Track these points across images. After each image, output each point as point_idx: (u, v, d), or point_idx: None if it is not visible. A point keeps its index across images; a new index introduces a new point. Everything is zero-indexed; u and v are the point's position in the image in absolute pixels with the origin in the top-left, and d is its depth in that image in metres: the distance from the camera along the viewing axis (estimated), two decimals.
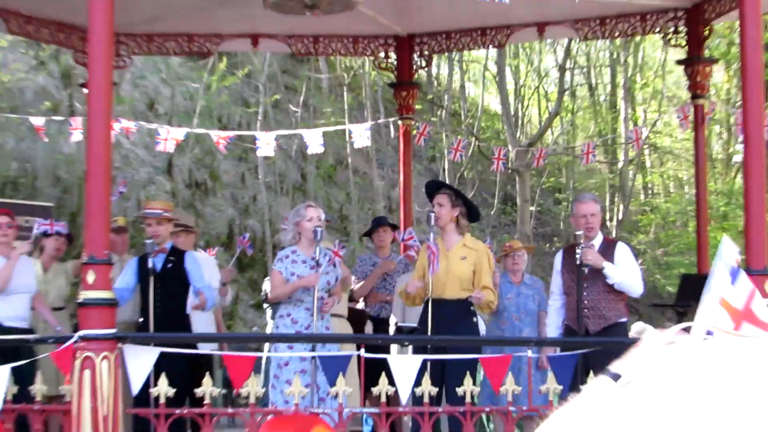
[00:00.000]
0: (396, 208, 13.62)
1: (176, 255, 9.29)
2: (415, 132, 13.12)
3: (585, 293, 8.51)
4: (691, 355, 1.72)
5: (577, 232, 8.74)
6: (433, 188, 9.30)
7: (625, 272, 8.47)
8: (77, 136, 12.50)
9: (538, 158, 18.99)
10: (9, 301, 9.17)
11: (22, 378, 7.14)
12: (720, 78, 20.33)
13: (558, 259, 8.98)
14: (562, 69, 25.70)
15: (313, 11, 9.86)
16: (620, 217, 23.63)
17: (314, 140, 12.42)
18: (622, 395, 1.67)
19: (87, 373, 6.28)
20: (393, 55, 12.76)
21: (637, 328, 1.82)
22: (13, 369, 6.89)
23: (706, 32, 11.42)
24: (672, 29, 11.48)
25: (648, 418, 1.65)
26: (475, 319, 8.86)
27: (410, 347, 8.05)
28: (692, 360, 1.70)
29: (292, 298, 8.72)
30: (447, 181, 13.76)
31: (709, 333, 1.78)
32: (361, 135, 12.91)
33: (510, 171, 22.14)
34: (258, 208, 20.16)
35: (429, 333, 8.48)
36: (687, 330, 1.79)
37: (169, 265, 9.17)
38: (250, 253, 8.85)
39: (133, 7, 10.36)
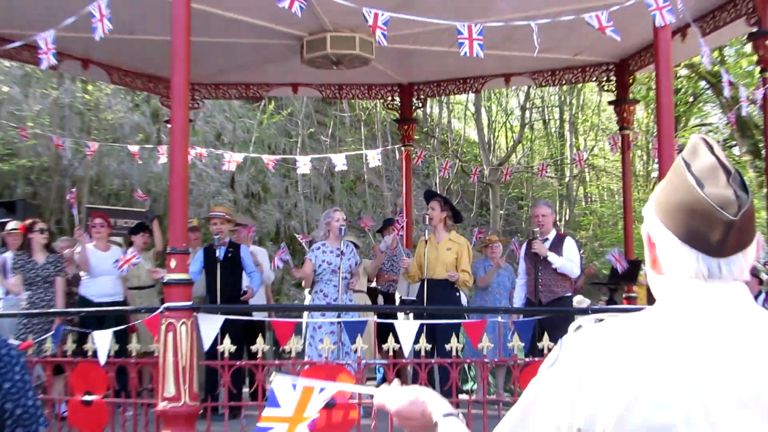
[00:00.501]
0: (397, 212, 13.64)
1: (234, 247, 9.36)
2: (414, 156, 13.24)
3: (540, 274, 8.60)
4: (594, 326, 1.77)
5: (534, 229, 8.86)
6: (428, 197, 9.55)
7: (567, 259, 8.57)
8: (163, 159, 12.59)
9: (505, 175, 19.14)
10: (96, 282, 9.31)
11: (123, 339, 7.23)
12: (641, 114, 20.23)
13: (522, 248, 9.08)
14: (523, 108, 25.68)
15: (338, 66, 9.97)
16: (567, 218, 23.69)
17: (339, 161, 12.48)
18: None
19: (170, 335, 6.26)
20: (397, 99, 12.85)
21: (577, 299, 1.89)
22: (114, 332, 6.95)
23: (631, 80, 11.53)
24: (605, 78, 11.58)
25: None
26: (458, 293, 9.01)
27: (411, 315, 8.11)
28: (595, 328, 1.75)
29: (323, 278, 8.81)
30: (438, 192, 13.73)
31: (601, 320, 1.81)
32: (374, 158, 12.96)
33: (485, 184, 22.21)
34: (298, 213, 20.24)
35: (425, 304, 8.68)
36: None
37: (229, 255, 9.23)
38: (285, 261, 8.85)
39: (203, 64, 10.41)
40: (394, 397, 2.03)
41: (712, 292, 1.66)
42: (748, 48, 13.88)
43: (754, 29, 8.91)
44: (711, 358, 1.60)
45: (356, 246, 9.60)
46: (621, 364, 1.62)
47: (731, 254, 1.65)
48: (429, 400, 2.01)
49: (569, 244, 8.79)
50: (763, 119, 9.65)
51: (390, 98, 13.00)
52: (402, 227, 10.77)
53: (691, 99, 21.23)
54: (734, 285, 1.68)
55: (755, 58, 9.60)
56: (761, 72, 9.20)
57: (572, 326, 1.79)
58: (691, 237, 1.67)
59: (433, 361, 6.69)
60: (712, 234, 1.64)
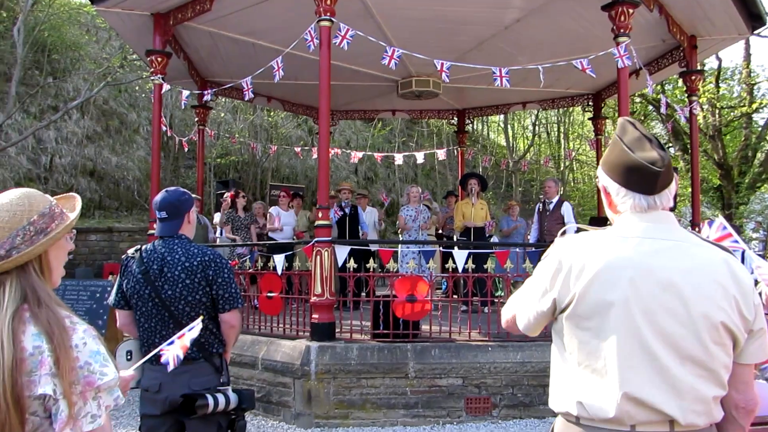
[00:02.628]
0: (455, 188, 13.50)
1: (354, 209, 9.42)
2: (466, 154, 13.09)
3: (546, 224, 8.45)
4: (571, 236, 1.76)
5: (542, 196, 8.79)
6: (469, 176, 9.41)
7: (567, 218, 8.43)
8: (314, 156, 12.73)
9: (523, 166, 18.61)
10: (281, 231, 9.47)
11: (290, 260, 7.35)
12: (609, 126, 19.56)
13: (536, 208, 8.93)
14: (534, 124, 25.17)
15: (419, 98, 9.90)
16: (561, 193, 23.38)
17: (420, 157, 12.43)
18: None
19: (318, 257, 6.29)
20: (455, 118, 12.69)
21: (561, 231, 1.88)
22: (285, 255, 7.05)
23: (603, 104, 11.15)
24: (586, 103, 11.27)
25: (550, 255, 1.70)
26: (488, 235, 8.93)
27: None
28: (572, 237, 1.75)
29: (409, 225, 8.85)
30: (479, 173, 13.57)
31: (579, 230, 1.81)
32: (441, 155, 12.88)
33: (510, 171, 21.81)
34: (396, 188, 20.28)
35: (471, 239, 8.63)
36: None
37: (351, 213, 9.30)
38: (386, 204, 8.93)
39: (338, 98, 10.51)
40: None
41: (647, 217, 1.67)
42: (680, 82, 13.40)
43: (684, 69, 8.59)
44: (643, 257, 1.61)
45: (429, 208, 9.62)
46: (586, 258, 1.64)
47: (660, 192, 1.65)
48: None
49: (566, 206, 8.61)
50: (689, 127, 9.28)
51: (451, 118, 12.88)
52: (456, 198, 10.72)
53: (642, 117, 20.42)
54: (662, 212, 1.68)
55: (684, 88, 9.26)
56: (688, 96, 8.86)
57: (560, 233, 1.86)
58: (631, 185, 1.68)
59: (475, 275, 6.65)
60: (647, 181, 1.65)
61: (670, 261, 1.58)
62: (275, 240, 9.10)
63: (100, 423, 1.51)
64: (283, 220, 9.50)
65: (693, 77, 8.61)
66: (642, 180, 1.65)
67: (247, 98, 7.44)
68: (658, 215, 1.67)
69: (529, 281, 1.80)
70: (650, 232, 1.64)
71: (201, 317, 2.30)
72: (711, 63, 19.60)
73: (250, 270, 7.48)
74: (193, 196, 3.21)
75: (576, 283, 1.62)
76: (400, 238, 9.84)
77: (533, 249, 7.59)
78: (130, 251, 3.14)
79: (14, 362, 1.41)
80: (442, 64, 6.42)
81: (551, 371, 1.76)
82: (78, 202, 1.76)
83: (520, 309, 1.80)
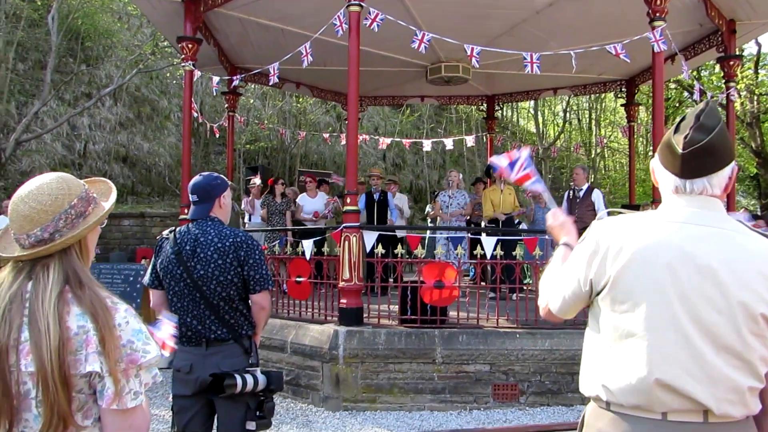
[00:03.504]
0: (483, 175, 13.42)
1: (383, 195, 9.41)
2: (495, 140, 12.96)
3: (576, 211, 8.35)
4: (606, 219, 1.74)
5: (572, 183, 8.67)
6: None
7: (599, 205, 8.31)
8: (343, 142, 12.71)
9: (553, 152, 18.42)
10: (309, 217, 9.50)
11: (319, 245, 7.39)
12: (643, 113, 19.19)
13: (565, 195, 8.81)
14: (564, 111, 24.82)
15: (448, 83, 9.83)
16: (591, 181, 23.06)
17: (448, 144, 12.33)
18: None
19: (347, 242, 6.32)
20: (485, 104, 12.57)
21: (599, 216, 1.86)
22: (314, 241, 7.10)
23: (636, 90, 10.94)
24: (619, 89, 11.05)
25: (587, 238, 1.69)
26: (516, 221, 8.87)
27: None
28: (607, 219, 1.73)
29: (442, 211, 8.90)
30: None
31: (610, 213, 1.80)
32: (470, 141, 12.78)
33: (539, 159, 21.60)
34: (423, 175, 20.23)
35: (500, 226, 8.57)
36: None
37: (381, 198, 9.30)
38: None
39: (367, 84, 10.48)
40: (553, 218, 2.16)
41: (693, 201, 1.63)
42: (717, 68, 13.07)
43: (722, 54, 8.38)
44: (684, 242, 1.58)
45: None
46: (624, 240, 1.63)
47: (692, 177, 1.61)
48: (563, 228, 2.10)
49: (597, 193, 8.49)
50: (726, 115, 9.07)
51: (480, 104, 12.76)
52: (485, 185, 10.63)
53: (677, 104, 20.00)
54: (707, 198, 1.63)
55: (721, 73, 9.05)
56: (725, 82, 8.65)
57: (598, 216, 1.84)
58: (667, 165, 1.66)
59: (504, 261, 6.60)
60: (675, 163, 1.63)
61: (712, 248, 1.55)
62: (305, 225, 9.15)
63: (142, 399, 1.56)
64: (310, 207, 9.55)
65: (731, 63, 8.39)
66: (671, 160, 1.63)
67: (272, 83, 7.48)
68: (705, 201, 1.62)
69: (565, 267, 1.78)
70: (693, 218, 1.60)
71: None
72: (750, 48, 19.09)
73: (279, 255, 7.53)
74: (230, 183, 3.25)
75: (612, 265, 1.60)
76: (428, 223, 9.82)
77: None
78: (165, 232, 3.20)
79: (60, 342, 1.45)
80: (472, 49, 6.36)
81: (584, 354, 1.74)
82: (113, 187, 1.80)
83: (555, 291, 1.79)
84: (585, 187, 8.50)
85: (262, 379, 3.03)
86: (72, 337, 1.48)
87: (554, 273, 1.86)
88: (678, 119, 1.67)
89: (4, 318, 1.47)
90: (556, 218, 2.13)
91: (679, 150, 1.58)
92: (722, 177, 1.62)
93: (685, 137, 1.58)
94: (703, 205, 1.62)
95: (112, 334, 1.50)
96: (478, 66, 6.80)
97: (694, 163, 1.59)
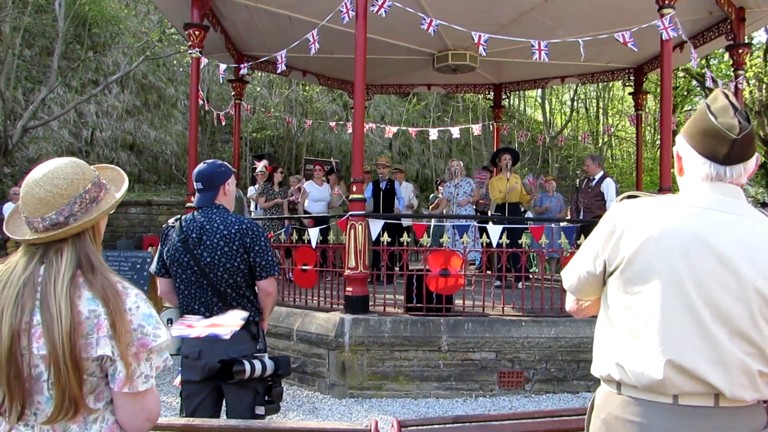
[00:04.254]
0: (490, 164, 13.38)
1: (390, 183, 9.40)
2: (501, 129, 12.91)
3: (583, 199, 8.33)
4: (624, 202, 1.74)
5: (579, 172, 8.63)
6: (503, 151, 9.28)
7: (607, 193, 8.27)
8: (349, 131, 12.67)
9: (560, 141, 18.33)
10: (314, 203, 9.51)
11: (325, 233, 7.40)
12: (651, 102, 19.08)
13: (577, 184, 8.80)
14: (572, 99, 24.69)
15: (455, 72, 9.78)
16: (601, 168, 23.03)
17: (455, 132, 12.28)
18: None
19: (352, 231, 6.34)
20: (492, 93, 12.49)
21: (619, 198, 1.85)
22: (320, 229, 7.10)
23: (644, 79, 10.86)
24: (627, 78, 10.93)
25: (606, 219, 1.69)
26: (522, 210, 8.86)
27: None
28: (625, 202, 1.73)
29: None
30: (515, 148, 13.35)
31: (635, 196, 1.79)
32: (476, 130, 12.74)
33: (546, 147, 21.51)
34: (430, 164, 20.19)
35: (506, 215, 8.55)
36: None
37: (388, 187, 9.30)
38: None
39: (373, 72, 10.44)
40: None
41: (715, 188, 1.64)
42: (726, 56, 12.95)
43: (731, 42, 8.30)
44: (701, 227, 1.58)
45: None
46: (641, 222, 1.63)
47: (733, 164, 1.62)
48: None
49: (608, 182, 8.45)
50: None
51: (487, 93, 12.68)
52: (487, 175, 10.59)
53: (685, 93, 19.87)
54: (731, 186, 1.64)
55: (730, 62, 8.96)
56: (734, 71, 8.57)
57: (617, 198, 1.82)
58: (707, 152, 1.64)
59: (510, 250, 6.59)
60: (721, 149, 1.61)
61: (730, 235, 1.55)
62: (311, 213, 9.16)
63: (152, 383, 1.58)
64: (317, 195, 9.55)
65: (740, 51, 8.31)
66: (716, 146, 1.60)
67: (279, 71, 7.45)
68: (727, 188, 1.62)
69: (581, 249, 1.81)
70: (714, 204, 1.60)
71: (242, 319, 2.37)
72: (759, 36, 18.90)
73: (285, 243, 7.55)
74: (233, 169, 3.26)
75: (627, 246, 1.61)
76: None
77: (568, 225, 7.49)
78: (171, 220, 3.21)
79: (72, 326, 1.47)
80: (480, 37, 6.32)
81: (596, 336, 1.74)
82: (124, 176, 1.81)
83: (571, 271, 1.81)
84: (599, 176, 8.47)
85: (270, 364, 3.05)
86: (83, 321, 1.49)
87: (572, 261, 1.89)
88: (701, 110, 1.67)
89: (16, 302, 1.48)
90: None
91: (733, 135, 1.57)
92: (752, 164, 1.65)
93: (739, 123, 1.58)
94: (727, 192, 1.62)
95: (123, 319, 1.52)
96: (485, 54, 6.77)
97: (741, 149, 1.60)
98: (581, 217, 8.33)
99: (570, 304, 1.89)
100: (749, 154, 1.62)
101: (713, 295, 1.52)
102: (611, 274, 1.65)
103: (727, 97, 1.65)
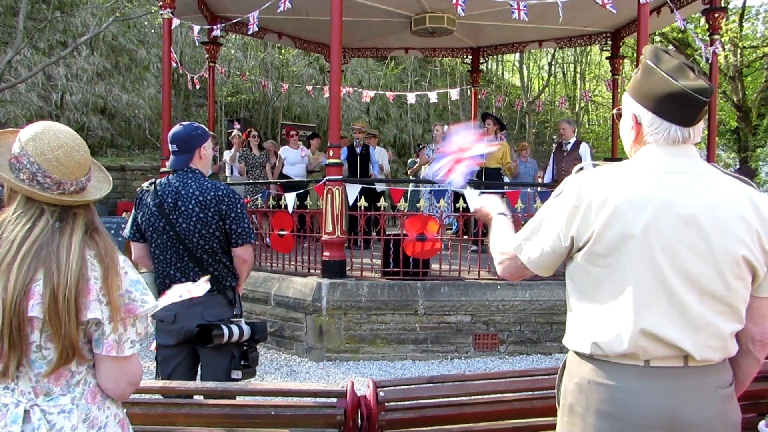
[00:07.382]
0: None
1: (365, 148, 9.35)
2: (479, 93, 12.85)
3: (563, 164, 8.37)
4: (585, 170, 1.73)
5: (555, 137, 8.64)
6: (484, 116, 9.22)
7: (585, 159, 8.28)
8: (326, 95, 12.53)
9: (538, 106, 18.33)
10: (292, 169, 9.43)
11: (302, 198, 7.36)
12: (628, 66, 19.14)
13: (552, 149, 8.80)
14: (550, 64, 24.63)
15: (434, 35, 9.67)
16: (576, 134, 23.10)
17: (433, 97, 12.19)
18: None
19: (329, 196, 6.32)
20: (470, 57, 12.40)
21: (576, 168, 1.81)
22: (297, 194, 7.07)
23: (621, 43, 10.84)
24: (604, 42, 10.91)
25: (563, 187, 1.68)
26: (501, 175, 8.87)
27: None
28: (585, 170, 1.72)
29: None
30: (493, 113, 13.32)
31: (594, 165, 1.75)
32: (454, 95, 12.67)
33: (524, 112, 21.47)
34: (407, 129, 20.07)
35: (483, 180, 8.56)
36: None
37: (363, 151, 9.25)
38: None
39: (350, 35, 10.26)
40: (476, 201, 2.08)
41: (670, 150, 1.62)
42: (702, 21, 12.99)
43: (707, 6, 8.31)
44: (664, 191, 1.57)
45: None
46: (606, 193, 1.59)
47: (696, 124, 1.61)
48: (491, 203, 2.04)
49: (584, 147, 8.47)
50: (709, 68, 9.04)
51: (465, 57, 12.59)
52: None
53: None
54: (685, 146, 1.63)
55: (706, 27, 8.98)
56: (710, 35, 8.59)
57: (575, 169, 1.76)
58: (670, 115, 1.61)
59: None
60: (690, 113, 1.59)
61: (692, 196, 1.55)
62: (291, 178, 9.09)
63: (138, 348, 1.61)
64: (293, 159, 9.48)
65: (716, 15, 8.33)
66: (684, 110, 1.58)
67: (251, 32, 7.29)
68: (681, 149, 1.61)
69: (535, 223, 1.72)
70: (672, 166, 1.59)
71: (206, 279, 2.26)
72: (735, 1, 18.97)
73: (262, 208, 7.51)
74: (210, 132, 3.20)
75: (596, 219, 1.57)
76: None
77: (544, 189, 7.55)
78: (145, 184, 3.16)
79: (80, 275, 1.48)
80: None
81: (568, 312, 1.72)
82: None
83: (530, 247, 1.71)
84: (573, 140, 8.50)
85: (246, 329, 3.06)
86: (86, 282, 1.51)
87: (504, 237, 1.82)
88: (648, 70, 1.63)
89: (33, 259, 1.47)
90: (478, 200, 2.07)
91: (705, 99, 1.56)
92: (702, 123, 1.64)
93: (707, 86, 1.56)
94: (681, 153, 1.61)
95: (117, 283, 1.53)
96: (463, 14, 6.69)
97: (704, 110, 1.60)
98: (561, 179, 8.42)
99: (509, 269, 1.78)
100: (707, 109, 1.63)
101: (682, 259, 1.52)
102: (580, 249, 1.61)
103: (670, 54, 1.62)
